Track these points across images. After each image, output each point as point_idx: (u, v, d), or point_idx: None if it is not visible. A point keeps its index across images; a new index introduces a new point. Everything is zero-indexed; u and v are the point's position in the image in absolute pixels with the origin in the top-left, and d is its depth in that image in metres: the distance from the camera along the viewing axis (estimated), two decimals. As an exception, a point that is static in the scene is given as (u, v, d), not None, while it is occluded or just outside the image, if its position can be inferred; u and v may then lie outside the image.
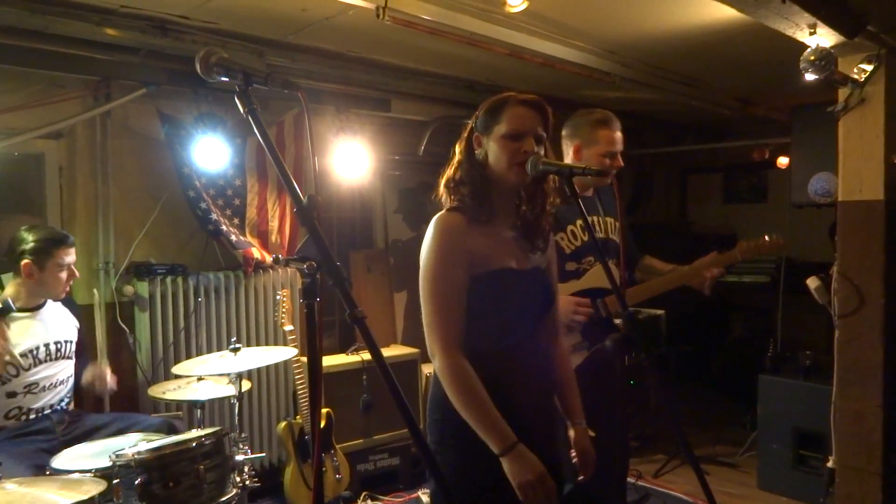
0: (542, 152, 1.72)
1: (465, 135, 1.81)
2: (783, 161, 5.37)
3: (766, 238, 2.72)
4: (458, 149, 1.82)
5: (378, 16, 2.72)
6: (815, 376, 3.80)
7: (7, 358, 2.51)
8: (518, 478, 1.57)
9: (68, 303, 3.04)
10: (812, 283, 3.43)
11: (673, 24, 3.26)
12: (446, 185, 1.81)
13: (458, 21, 2.93)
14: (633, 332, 1.61)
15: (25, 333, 2.77)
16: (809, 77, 2.81)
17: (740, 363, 5.40)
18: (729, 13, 2.95)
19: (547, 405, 1.82)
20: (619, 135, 2.53)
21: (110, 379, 2.99)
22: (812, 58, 2.74)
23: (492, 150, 1.74)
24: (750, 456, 4.34)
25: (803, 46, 2.81)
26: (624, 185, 2.33)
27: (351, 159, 3.96)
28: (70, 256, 2.81)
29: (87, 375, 3.00)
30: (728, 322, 6.33)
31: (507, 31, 3.11)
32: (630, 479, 3.86)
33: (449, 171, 1.82)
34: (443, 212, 1.78)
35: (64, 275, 2.81)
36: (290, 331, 3.52)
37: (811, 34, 2.75)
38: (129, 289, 3.54)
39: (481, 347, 1.72)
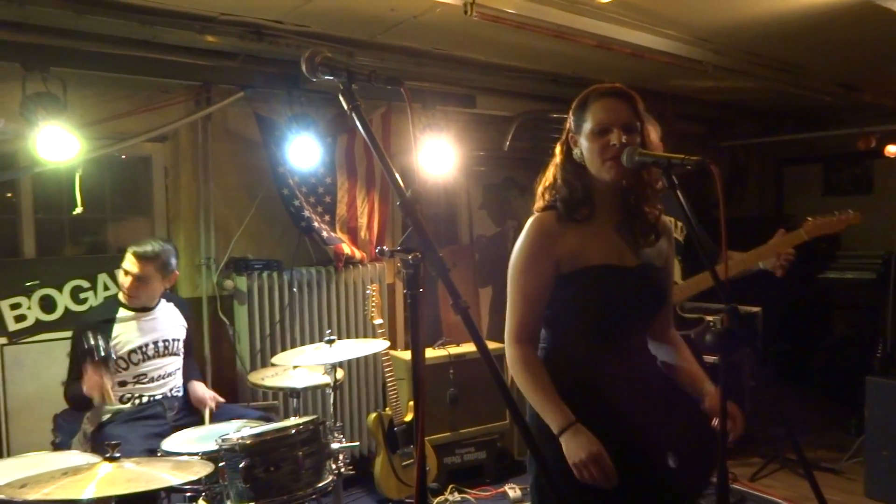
0: (639, 141, 1.69)
1: (564, 136, 1.80)
2: (892, 149, 5.04)
3: (837, 213, 2.61)
4: (557, 150, 1.81)
5: (465, 12, 2.74)
6: (931, 378, 3.55)
7: (104, 395, 2.68)
8: (572, 458, 1.57)
9: (179, 304, 3.23)
10: (927, 278, 3.20)
11: (770, 7, 3.12)
12: (545, 189, 1.80)
13: (545, 14, 2.91)
14: (735, 326, 1.55)
15: (134, 332, 2.98)
16: (926, 57, 2.62)
17: (844, 364, 5.11)
18: (834, -7, 2.80)
19: (653, 407, 1.73)
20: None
21: (212, 400, 3.11)
22: (929, 36, 2.55)
23: (584, 148, 1.73)
24: (856, 462, 4.10)
25: (918, 25, 2.63)
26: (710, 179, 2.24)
27: (436, 156, 4.00)
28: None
29: (193, 397, 3.14)
30: (830, 320, 6.00)
31: (595, 21, 3.06)
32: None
33: (547, 175, 1.81)
34: (538, 212, 1.78)
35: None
36: (380, 324, 3.60)
37: (928, 11, 2.57)
38: (228, 283, 3.72)
39: (577, 344, 1.72)
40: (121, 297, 3.03)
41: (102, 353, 2.66)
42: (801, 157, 6.47)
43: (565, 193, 1.74)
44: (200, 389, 3.15)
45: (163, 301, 3.12)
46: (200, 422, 2.96)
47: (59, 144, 2.87)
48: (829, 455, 4.32)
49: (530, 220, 1.77)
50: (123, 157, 3.67)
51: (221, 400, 3.15)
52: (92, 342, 2.65)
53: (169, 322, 3.11)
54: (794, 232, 2.62)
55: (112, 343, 2.89)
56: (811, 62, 4.14)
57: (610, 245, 1.74)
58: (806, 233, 2.61)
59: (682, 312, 2.77)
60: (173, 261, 3.05)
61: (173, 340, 3.09)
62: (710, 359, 2.11)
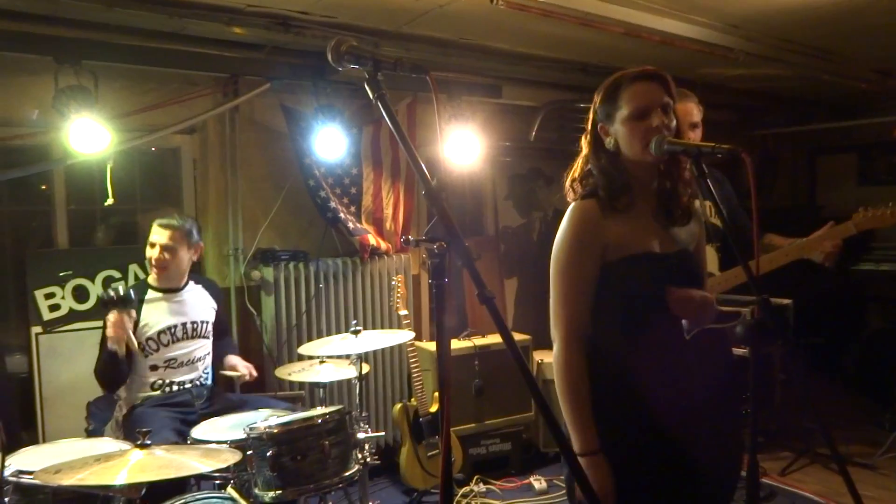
0: (674, 123, 1.66)
1: (590, 128, 1.77)
2: (930, 138, 4.90)
3: (890, 205, 2.48)
4: (584, 143, 1.78)
5: (492, 1, 2.71)
6: (970, 373, 3.46)
7: (125, 344, 2.73)
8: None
9: (210, 286, 3.27)
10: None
11: (805, -9, 3.04)
12: (573, 181, 1.77)
13: (573, 1, 2.88)
14: (766, 318, 1.51)
15: (163, 313, 3.02)
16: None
17: (879, 358, 5.00)
18: (871, -24, 2.72)
19: (693, 395, 1.67)
20: None
21: (245, 368, 3.19)
22: (972, 20, 2.46)
23: (620, 136, 1.69)
24: (890, 458, 4.02)
25: (960, 8, 2.54)
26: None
27: (462, 146, 3.98)
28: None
29: (226, 365, 3.21)
30: (864, 313, 5.86)
31: (624, 9, 3.01)
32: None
33: (577, 168, 1.78)
34: (578, 200, 1.74)
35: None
36: (405, 315, 3.61)
37: (970, -7, 2.48)
38: (256, 274, 3.76)
39: (617, 334, 1.69)
40: (150, 279, 3.06)
41: (122, 294, 2.68)
42: (834, 146, 6.32)
43: (604, 182, 1.70)
44: (234, 359, 3.22)
45: (191, 283, 3.15)
46: (228, 410, 2.99)
47: (90, 136, 2.92)
48: (862, 450, 4.23)
49: (571, 209, 1.72)
50: (153, 148, 3.72)
51: (255, 374, 3.21)
52: (111, 291, 2.69)
53: (197, 304, 3.14)
54: (844, 224, 2.53)
55: (141, 325, 2.93)
56: (846, 48, 4.03)
57: (649, 233, 1.71)
58: (856, 225, 2.51)
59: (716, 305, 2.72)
60: (196, 232, 3.08)
61: (202, 322, 3.12)
62: (740, 351, 2.07)
